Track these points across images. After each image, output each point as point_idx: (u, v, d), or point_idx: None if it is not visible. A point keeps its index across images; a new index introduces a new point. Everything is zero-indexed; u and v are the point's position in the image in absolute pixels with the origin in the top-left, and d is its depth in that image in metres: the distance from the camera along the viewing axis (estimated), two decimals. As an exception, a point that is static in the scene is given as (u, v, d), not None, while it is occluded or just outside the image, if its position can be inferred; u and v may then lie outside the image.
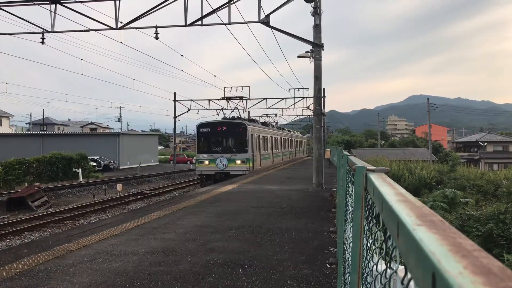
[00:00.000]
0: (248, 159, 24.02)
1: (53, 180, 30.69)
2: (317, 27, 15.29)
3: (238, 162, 23.85)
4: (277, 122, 49.48)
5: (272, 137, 32.58)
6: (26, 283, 5.28)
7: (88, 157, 35.58)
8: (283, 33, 14.87)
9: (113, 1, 14.33)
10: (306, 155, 58.73)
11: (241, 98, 30.15)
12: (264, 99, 36.12)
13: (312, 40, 15.29)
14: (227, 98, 29.24)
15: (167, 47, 19.49)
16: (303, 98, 36.09)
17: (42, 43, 15.11)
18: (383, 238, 1.46)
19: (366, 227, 2.05)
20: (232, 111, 29.64)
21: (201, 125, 25.20)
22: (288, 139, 42.21)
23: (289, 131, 46.93)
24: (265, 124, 35.29)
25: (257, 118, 39.48)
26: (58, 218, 16.08)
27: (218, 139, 24.73)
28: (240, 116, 28.94)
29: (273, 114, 43.59)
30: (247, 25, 14.57)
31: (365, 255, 2.11)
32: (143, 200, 21.74)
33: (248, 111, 36.29)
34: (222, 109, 30.75)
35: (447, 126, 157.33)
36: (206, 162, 24.24)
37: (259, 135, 27.32)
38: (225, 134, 24.65)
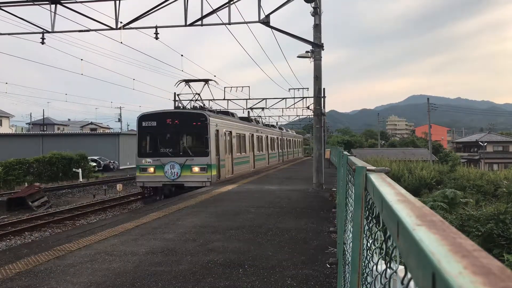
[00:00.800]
0: (210, 165, 17.34)
1: (53, 180, 30.68)
2: (317, 27, 15.30)
3: (196, 169, 17.36)
4: (277, 122, 49.07)
5: (253, 135, 26.28)
6: (26, 283, 5.28)
7: (88, 157, 35.58)
8: (283, 33, 14.87)
9: (113, 1, 14.33)
10: (303, 156, 55.10)
11: (206, 81, 21.15)
12: (264, 99, 36.03)
13: (312, 40, 15.29)
14: (186, 81, 20.73)
15: (167, 47, 19.50)
16: (303, 98, 35.98)
17: (42, 43, 15.11)
18: (383, 238, 1.46)
19: (366, 227, 2.05)
20: (195, 100, 21.15)
21: (143, 117, 18.28)
22: (278, 138, 36.27)
23: (280, 128, 41.60)
24: (246, 119, 28.65)
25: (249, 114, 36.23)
26: (58, 218, 16.08)
27: (167, 137, 18.14)
28: (204, 106, 21.44)
29: (259, 108, 36.83)
30: (247, 25, 14.57)
31: (365, 255, 2.11)
32: (143, 200, 21.73)
33: (248, 111, 35.70)
34: (178, 95, 21.17)
35: (447, 126, 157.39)
36: (151, 169, 17.70)
37: (230, 132, 20.88)
38: (178, 130, 17.93)
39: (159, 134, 18.20)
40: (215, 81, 21.27)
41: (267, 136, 31.35)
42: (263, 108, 37.16)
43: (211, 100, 31.48)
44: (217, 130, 18.61)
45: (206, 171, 17.37)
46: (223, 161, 19.21)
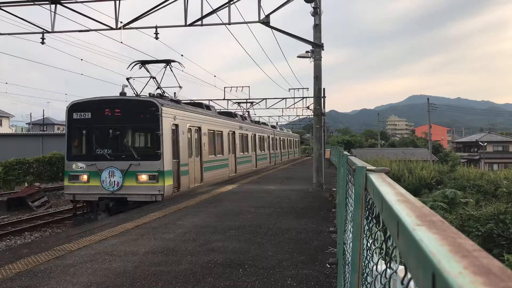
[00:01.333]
0: (162, 172, 13.04)
1: (53, 180, 30.66)
2: (317, 27, 15.31)
3: (143, 177, 13.08)
4: (277, 122, 48.86)
5: (234, 133, 21.94)
6: (26, 283, 5.28)
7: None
8: (283, 33, 14.87)
9: (113, 1, 14.33)
10: (299, 157, 52.21)
11: (167, 62, 16.61)
12: (264, 99, 36.05)
13: (312, 40, 15.30)
14: (142, 63, 16.21)
15: (167, 47, 19.50)
16: (303, 98, 36.05)
17: (42, 43, 15.11)
18: (383, 238, 1.46)
19: (366, 227, 2.05)
20: (157, 87, 16.28)
21: (74, 107, 13.91)
22: (269, 137, 32.18)
23: (273, 127, 37.96)
24: (228, 114, 24.31)
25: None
26: (58, 218, 16.09)
27: (105, 133, 13.69)
28: (164, 93, 16.26)
29: (247, 102, 33.37)
30: (247, 25, 14.57)
31: (365, 255, 2.11)
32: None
33: (248, 111, 35.63)
34: (128, 79, 15.90)
35: (447, 126, 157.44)
36: (84, 177, 13.53)
37: (199, 128, 16.60)
38: (120, 124, 13.53)
39: (95, 130, 13.73)
40: (179, 62, 16.59)
41: (255, 135, 27.26)
42: (252, 103, 33.98)
43: (210, 100, 31.40)
44: (176, 125, 14.27)
45: (157, 180, 13.00)
46: (185, 166, 14.81)
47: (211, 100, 31.79)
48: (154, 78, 16.27)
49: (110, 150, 13.55)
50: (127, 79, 15.83)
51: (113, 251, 6.76)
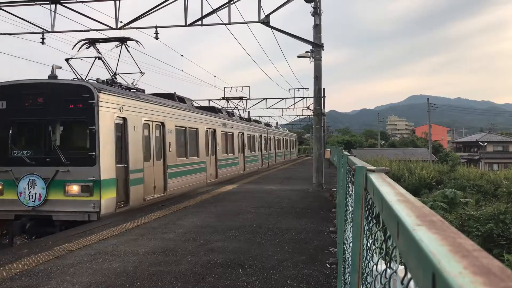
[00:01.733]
0: (97, 183, 9.80)
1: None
2: (317, 27, 15.31)
3: (73, 188, 9.89)
4: (277, 122, 48.68)
5: (215, 131, 18.74)
6: (26, 283, 5.28)
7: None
8: (283, 33, 14.87)
9: (113, 1, 14.33)
10: (296, 157, 49.71)
11: (122, 40, 13.29)
12: (264, 99, 36.06)
13: (312, 40, 15.31)
14: (92, 42, 12.89)
15: (167, 47, 19.49)
16: (303, 98, 36.07)
17: (42, 43, 15.12)
18: (383, 238, 1.46)
19: (366, 227, 2.05)
20: (113, 74, 12.91)
21: None
22: (261, 136, 29.14)
23: (267, 125, 35.53)
24: (210, 109, 20.98)
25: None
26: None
27: (24, 128, 10.87)
28: (115, 79, 12.68)
29: (237, 98, 31.23)
30: (247, 25, 14.57)
31: (365, 255, 2.11)
32: None
33: (248, 111, 35.53)
34: (68, 60, 12.33)
35: (447, 126, 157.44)
36: None
37: (161, 124, 13.26)
38: (43, 115, 10.28)
39: (11, 124, 10.50)
40: (136, 41, 13.39)
41: (243, 133, 23.83)
42: (241, 98, 31.82)
43: (210, 100, 31.28)
44: (124, 118, 11.03)
45: (91, 192, 9.79)
46: (137, 172, 11.53)
47: (211, 100, 31.74)
48: (100, 58, 12.75)
49: (31, 151, 10.36)
50: (67, 60, 12.27)
51: (113, 251, 6.77)
